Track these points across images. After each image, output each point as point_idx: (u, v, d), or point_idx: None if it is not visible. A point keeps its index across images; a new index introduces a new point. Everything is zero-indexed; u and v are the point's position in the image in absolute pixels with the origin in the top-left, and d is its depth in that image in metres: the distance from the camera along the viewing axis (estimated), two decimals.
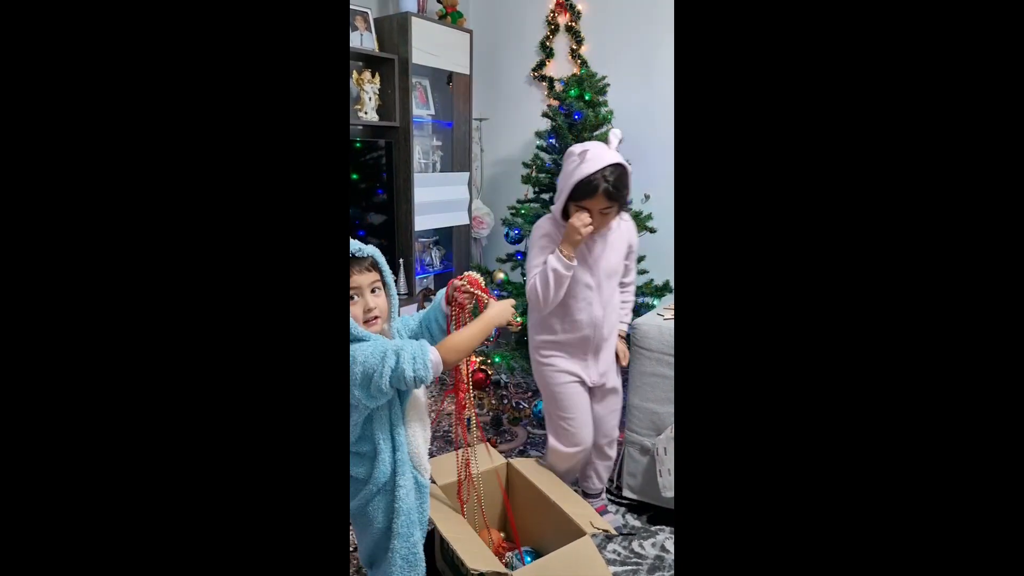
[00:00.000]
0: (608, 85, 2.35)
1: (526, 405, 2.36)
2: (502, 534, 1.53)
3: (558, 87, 2.40)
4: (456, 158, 3.04)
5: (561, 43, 2.88)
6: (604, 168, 1.35)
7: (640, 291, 2.34)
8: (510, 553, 1.44)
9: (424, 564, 1.15)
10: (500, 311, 1.16)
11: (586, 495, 1.72)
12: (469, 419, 1.34)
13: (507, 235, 2.42)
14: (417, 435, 1.11)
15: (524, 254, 2.48)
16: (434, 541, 1.44)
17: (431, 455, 1.56)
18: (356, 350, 0.99)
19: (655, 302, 2.29)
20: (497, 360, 2.38)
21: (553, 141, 2.37)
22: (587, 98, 2.28)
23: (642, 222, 2.31)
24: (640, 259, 2.38)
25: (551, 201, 2.42)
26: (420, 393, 1.13)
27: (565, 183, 1.41)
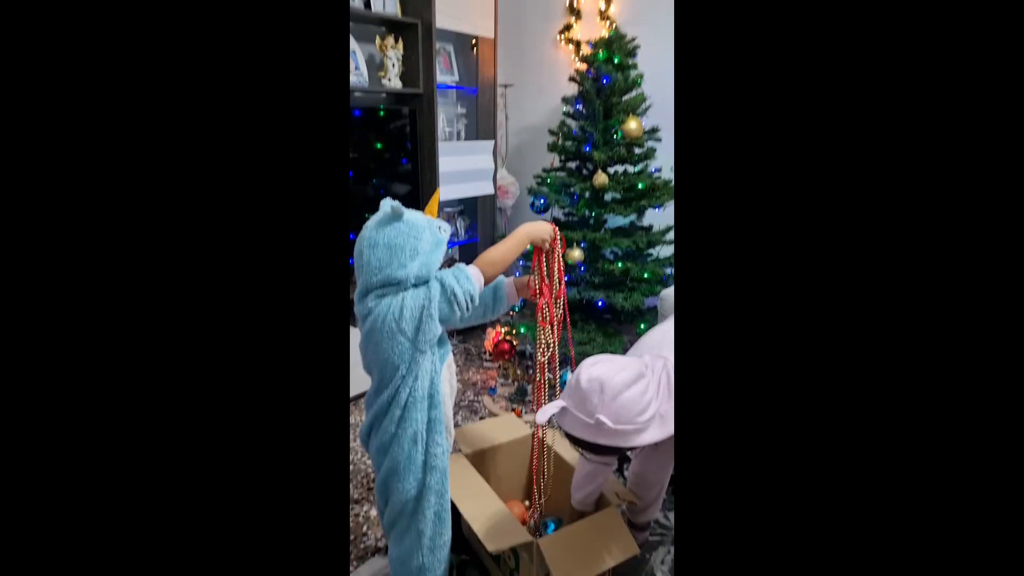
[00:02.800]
0: (638, 47, 2.26)
1: (552, 376, 2.36)
2: (526, 503, 1.55)
3: (586, 50, 2.31)
4: (481, 126, 2.98)
5: (589, 3, 2.76)
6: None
7: (668, 262, 2.30)
8: (534, 521, 1.46)
9: (451, 524, 1.16)
10: (532, 229, 1.16)
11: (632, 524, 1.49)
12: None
13: (533, 205, 2.38)
14: (447, 397, 1.13)
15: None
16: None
17: (456, 425, 1.58)
18: (405, 296, 1.02)
19: None
20: (523, 331, 2.38)
21: (580, 107, 2.30)
22: (616, 61, 2.20)
23: (671, 191, 2.25)
24: (668, 230, 2.32)
25: (578, 169, 2.37)
26: (450, 358, 1.14)
27: None
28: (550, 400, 1.27)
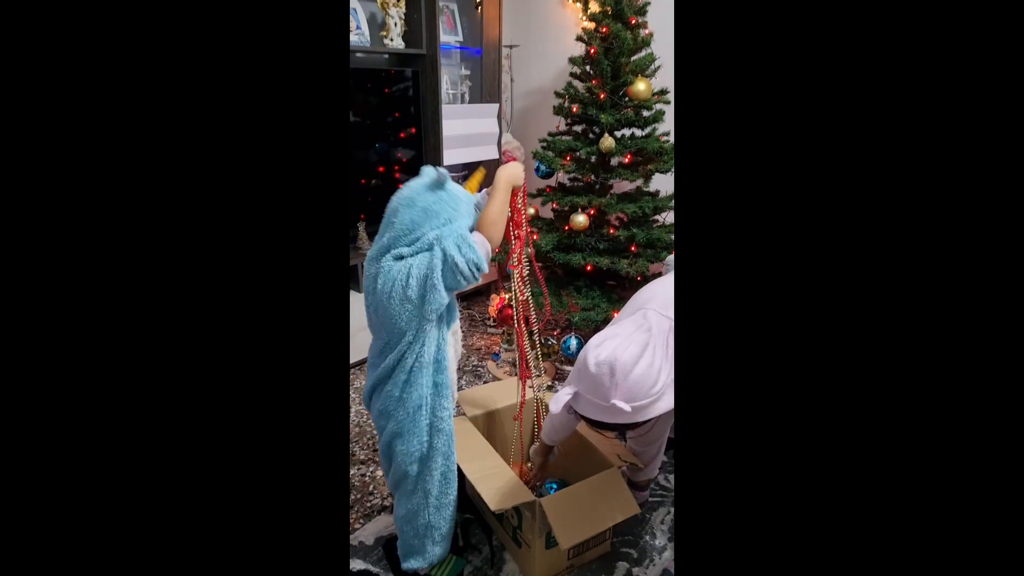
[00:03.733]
0: (649, 4, 2.18)
1: (555, 342, 2.37)
2: (528, 464, 1.58)
3: (594, 7, 2.23)
4: (486, 88, 2.91)
5: None
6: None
7: (671, 228, 2.27)
8: (540, 483, 1.49)
9: (457, 484, 1.19)
10: (510, 173, 1.14)
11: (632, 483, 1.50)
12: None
13: (538, 170, 2.35)
14: (451, 361, 1.14)
15: (556, 189, 2.41)
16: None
17: (460, 389, 1.59)
18: (411, 262, 1.01)
19: None
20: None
21: (588, 68, 2.24)
22: (626, 19, 2.13)
23: None
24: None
25: (583, 134, 2.32)
26: (457, 324, 1.14)
27: None
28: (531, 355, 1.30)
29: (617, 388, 1.02)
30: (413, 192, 1.03)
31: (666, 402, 1.06)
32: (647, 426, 1.34)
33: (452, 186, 1.03)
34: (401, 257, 1.02)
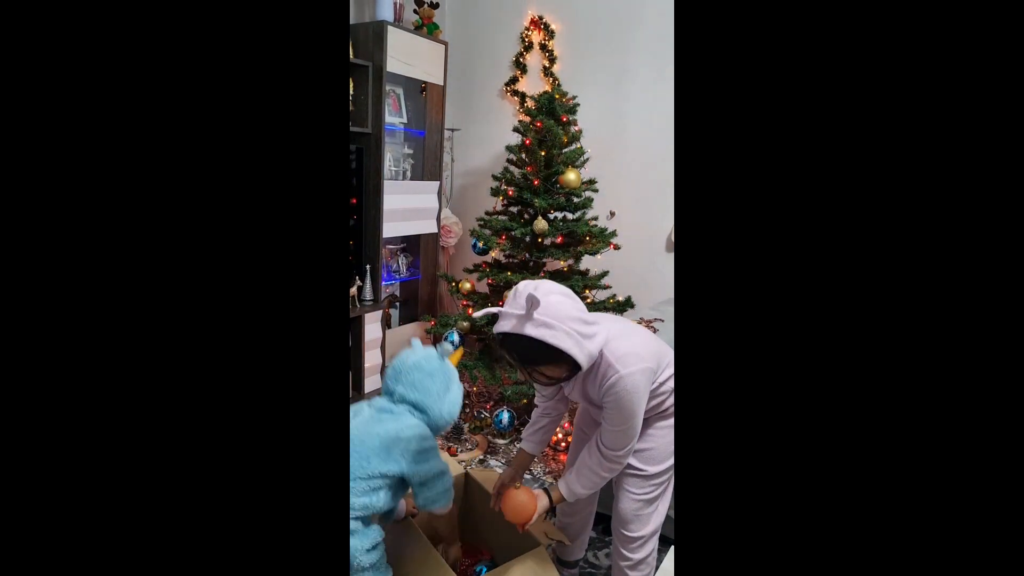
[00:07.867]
0: (579, 104, 2.41)
1: (487, 414, 2.38)
2: (458, 543, 1.55)
3: (530, 104, 2.44)
4: (427, 167, 3.05)
5: (534, 60, 2.94)
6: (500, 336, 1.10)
7: (603, 306, 2.40)
8: (468, 562, 1.46)
9: None
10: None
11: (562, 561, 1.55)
12: None
13: (475, 246, 2.45)
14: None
15: (491, 265, 2.51)
16: None
17: None
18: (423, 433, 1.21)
19: None
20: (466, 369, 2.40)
21: (523, 156, 2.41)
22: (557, 115, 2.34)
23: (607, 239, 2.38)
24: (603, 275, 2.44)
25: (519, 214, 2.46)
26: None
27: None
28: None
29: (539, 305, 1.02)
30: (421, 358, 1.26)
31: (577, 347, 1.04)
32: (576, 506, 1.37)
33: (448, 361, 1.29)
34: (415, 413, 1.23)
